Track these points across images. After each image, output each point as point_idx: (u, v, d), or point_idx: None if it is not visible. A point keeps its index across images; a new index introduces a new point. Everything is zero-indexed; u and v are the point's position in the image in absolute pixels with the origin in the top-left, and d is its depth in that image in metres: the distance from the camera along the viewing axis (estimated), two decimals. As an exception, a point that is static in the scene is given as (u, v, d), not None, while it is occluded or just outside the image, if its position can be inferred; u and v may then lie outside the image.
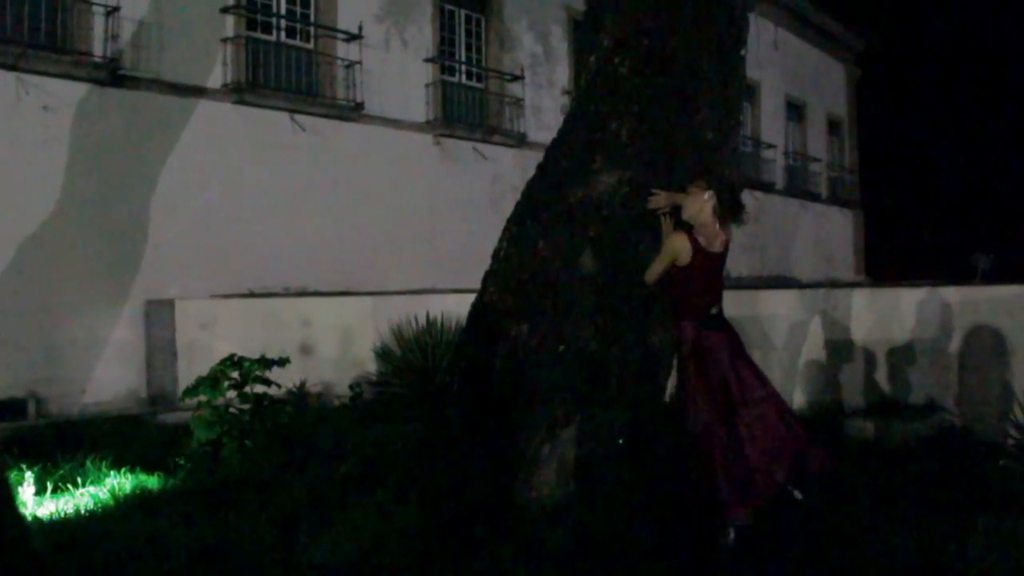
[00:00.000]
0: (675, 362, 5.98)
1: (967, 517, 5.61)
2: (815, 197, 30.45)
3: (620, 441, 6.40)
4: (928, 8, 42.36)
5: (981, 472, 6.86)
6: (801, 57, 30.15)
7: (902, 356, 9.32)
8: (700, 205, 5.73)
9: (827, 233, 31.05)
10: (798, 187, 29.32)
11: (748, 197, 23.72)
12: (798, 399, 9.70)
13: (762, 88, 27.41)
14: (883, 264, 33.14)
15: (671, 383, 6.12)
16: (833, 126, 32.74)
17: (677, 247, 5.68)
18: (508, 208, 6.60)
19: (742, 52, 6.63)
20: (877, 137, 36.83)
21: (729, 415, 5.62)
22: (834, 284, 19.30)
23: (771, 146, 27.62)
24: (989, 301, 8.76)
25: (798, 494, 5.74)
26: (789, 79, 29.15)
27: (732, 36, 6.51)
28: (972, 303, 8.88)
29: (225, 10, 14.14)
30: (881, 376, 9.43)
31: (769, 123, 27.97)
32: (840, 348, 9.64)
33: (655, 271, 5.79)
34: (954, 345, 8.95)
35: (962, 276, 16.73)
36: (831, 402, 9.54)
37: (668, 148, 6.14)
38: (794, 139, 29.94)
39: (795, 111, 30.02)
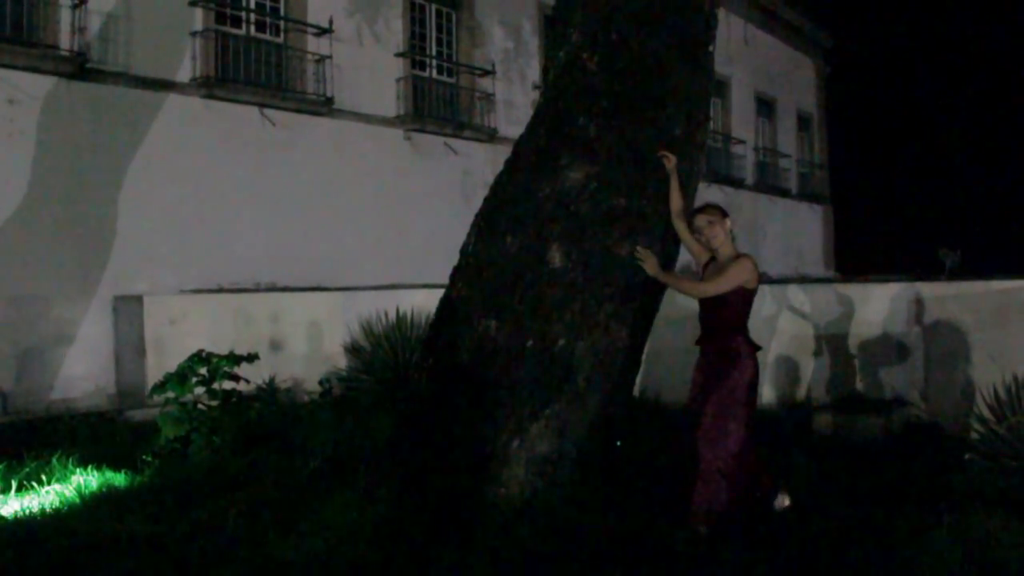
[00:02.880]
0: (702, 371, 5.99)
1: (932, 511, 5.66)
2: (785, 193, 30.61)
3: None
4: (897, 5, 42.63)
5: (946, 466, 6.93)
6: (771, 53, 30.30)
7: (870, 351, 9.39)
8: (726, 232, 5.96)
9: (797, 229, 31.22)
10: (768, 183, 29.47)
11: (718, 193, 23.85)
12: (766, 394, 9.75)
13: (732, 84, 27.53)
14: (852, 259, 33.38)
15: (692, 385, 6.12)
16: (803, 122, 32.93)
17: (753, 272, 5.87)
18: (479, 203, 6.59)
19: (711, 48, 6.64)
20: (847, 133, 37.14)
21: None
22: (803, 279, 19.42)
23: (741, 142, 27.74)
24: (955, 297, 8.83)
25: (781, 502, 5.88)
26: (759, 75, 29.28)
27: (701, 32, 6.52)
28: (939, 299, 8.95)
29: (194, 3, 14.05)
30: (849, 371, 9.49)
31: (739, 119, 28.09)
32: (808, 343, 9.70)
33: (718, 288, 5.81)
34: (921, 340, 9.03)
35: (930, 271, 16.88)
36: (799, 397, 9.60)
37: (636, 144, 6.15)
38: (764, 135, 30.08)
39: (765, 107, 30.16)
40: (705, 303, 5.92)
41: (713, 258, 6.07)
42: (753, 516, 5.76)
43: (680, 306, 9.64)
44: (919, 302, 9.06)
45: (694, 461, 5.73)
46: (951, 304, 8.79)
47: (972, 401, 8.00)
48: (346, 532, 5.36)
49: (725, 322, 5.88)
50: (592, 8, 6.39)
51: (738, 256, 5.92)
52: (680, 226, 6.13)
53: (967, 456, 7.06)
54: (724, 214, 6.06)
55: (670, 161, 6.12)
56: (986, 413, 7.27)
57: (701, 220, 6.04)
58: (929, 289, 9.14)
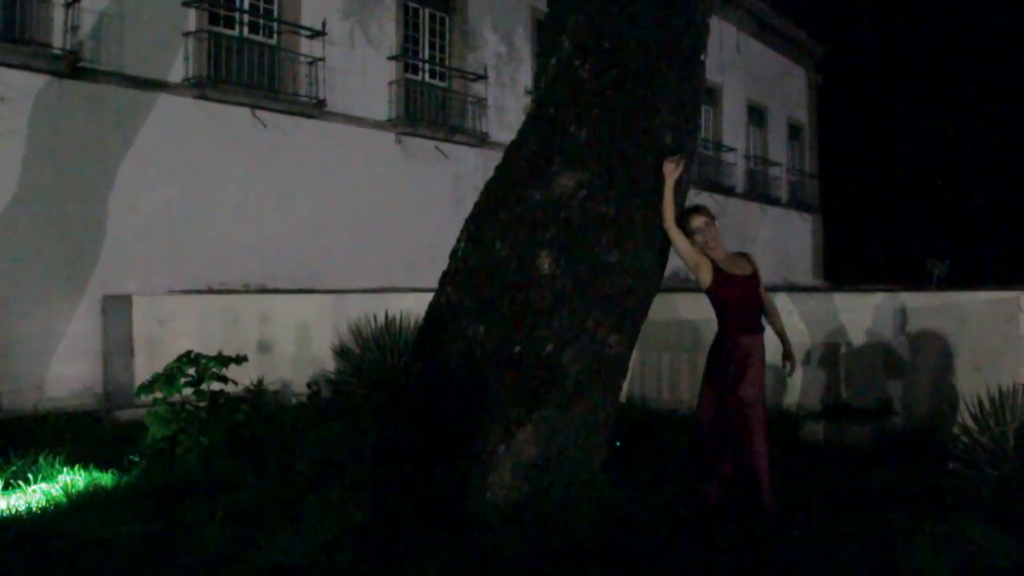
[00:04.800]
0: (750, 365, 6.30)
1: (916, 520, 5.70)
2: (775, 201, 30.70)
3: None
4: (889, 15, 42.79)
5: (930, 475, 6.97)
6: (763, 62, 30.39)
7: (857, 359, 9.43)
8: (718, 231, 6.39)
9: (786, 237, 31.31)
10: (758, 191, 29.56)
11: (708, 200, 23.90)
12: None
13: (724, 92, 27.61)
14: (841, 268, 33.51)
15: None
16: (794, 131, 33.03)
17: None
18: (469, 208, 6.62)
19: (702, 57, 6.68)
20: (837, 142, 37.23)
21: None
22: (792, 287, 19.47)
23: (732, 150, 27.82)
24: (943, 307, 8.88)
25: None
26: (751, 83, 29.38)
27: (692, 41, 6.56)
28: (926, 308, 9.00)
29: (188, 4, 14.06)
30: (836, 379, 9.53)
31: (730, 127, 28.17)
32: (796, 351, 9.72)
33: None
34: (908, 349, 9.07)
35: (919, 281, 16.94)
36: (786, 405, 9.63)
37: (627, 151, 6.17)
38: (755, 143, 30.18)
39: (756, 115, 30.25)
40: (750, 293, 6.33)
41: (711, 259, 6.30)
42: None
43: (670, 312, 9.68)
44: (906, 311, 9.11)
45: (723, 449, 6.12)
46: (936, 314, 8.84)
47: (956, 410, 8.04)
48: (333, 535, 5.37)
49: (760, 311, 6.43)
50: (584, 16, 6.42)
51: (744, 255, 6.51)
52: (675, 233, 6.18)
53: (951, 465, 7.09)
54: (712, 215, 6.42)
55: (675, 168, 6.18)
56: (969, 423, 7.31)
57: (700, 221, 6.31)
58: (913, 299, 9.19)
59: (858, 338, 9.43)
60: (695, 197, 6.75)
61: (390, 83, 17.44)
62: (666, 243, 6.35)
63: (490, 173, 6.65)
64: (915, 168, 40.83)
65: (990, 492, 6.40)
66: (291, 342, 12.09)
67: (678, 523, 5.72)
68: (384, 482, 6.05)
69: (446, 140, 18.35)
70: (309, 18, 15.88)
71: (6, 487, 6.87)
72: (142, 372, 10.28)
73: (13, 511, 6.21)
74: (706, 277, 6.23)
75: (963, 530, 5.47)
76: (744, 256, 6.50)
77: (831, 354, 9.58)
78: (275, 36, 15.74)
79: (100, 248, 12.81)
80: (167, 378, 7.73)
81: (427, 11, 18.60)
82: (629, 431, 7.85)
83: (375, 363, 10.41)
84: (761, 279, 6.45)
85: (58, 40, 12.42)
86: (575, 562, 5.06)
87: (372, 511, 5.73)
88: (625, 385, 7.00)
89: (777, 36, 31.21)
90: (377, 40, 17.29)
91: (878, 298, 9.45)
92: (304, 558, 5.11)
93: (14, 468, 7.24)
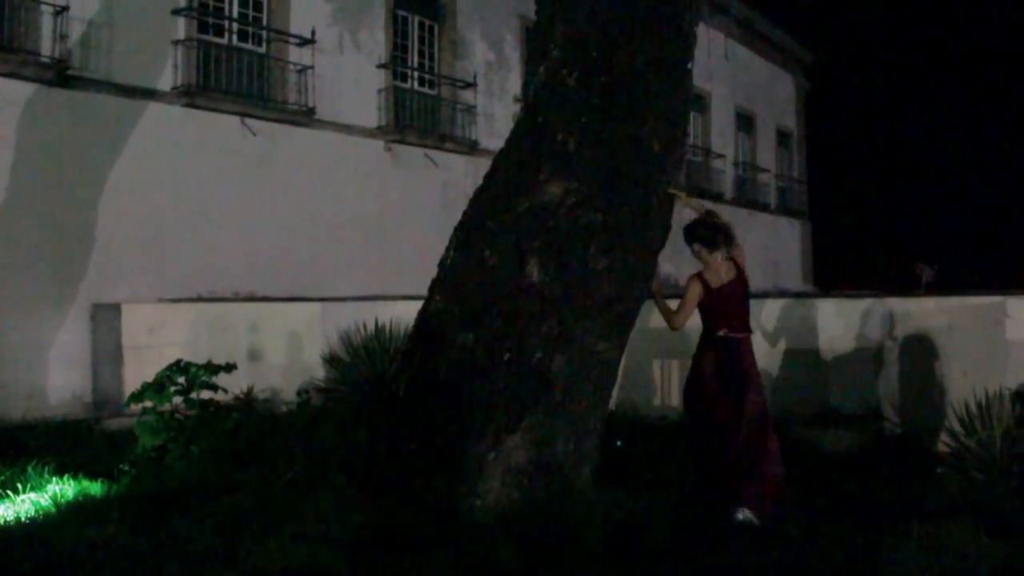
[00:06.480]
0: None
1: (903, 525, 5.73)
2: (764, 207, 30.78)
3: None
4: (876, 22, 42.98)
5: (918, 479, 7.00)
6: (751, 69, 30.50)
7: (845, 365, 9.46)
8: None
9: (775, 243, 31.37)
10: (747, 197, 29.64)
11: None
12: (743, 407, 9.78)
13: (712, 99, 27.69)
14: (830, 274, 33.59)
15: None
16: (782, 137, 33.14)
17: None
18: (458, 215, 6.63)
19: (689, 65, 6.71)
20: (825, 149, 37.34)
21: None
22: (781, 294, 19.52)
23: (721, 156, 27.89)
24: (930, 312, 8.92)
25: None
26: (739, 90, 29.47)
27: (680, 49, 6.59)
28: (914, 313, 9.04)
29: (176, 12, 14.06)
30: (824, 384, 9.55)
31: (719, 134, 28.25)
32: (785, 357, 9.76)
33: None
34: (896, 354, 9.10)
35: (906, 286, 17.02)
36: (776, 411, 9.65)
37: (615, 159, 6.20)
38: (744, 150, 30.27)
39: (745, 122, 30.34)
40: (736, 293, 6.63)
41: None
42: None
43: (660, 319, 9.69)
44: (894, 316, 9.14)
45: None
46: (924, 319, 8.87)
47: (944, 415, 8.08)
48: (323, 542, 5.37)
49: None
50: (572, 24, 6.45)
51: (731, 258, 6.86)
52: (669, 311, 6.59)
53: (938, 470, 7.13)
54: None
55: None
56: (957, 427, 7.35)
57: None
58: (901, 304, 9.23)
59: (846, 344, 9.46)
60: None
61: (379, 91, 17.45)
62: (655, 250, 6.41)
63: (479, 181, 6.66)
64: (903, 173, 40.98)
65: (977, 496, 6.44)
66: (281, 350, 12.07)
67: (670, 528, 5.73)
68: (374, 489, 6.06)
69: (435, 148, 18.37)
70: (298, 26, 15.89)
71: (-6, 497, 6.85)
72: (131, 381, 10.27)
73: (2, 521, 6.19)
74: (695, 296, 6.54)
75: (950, 534, 5.50)
76: (730, 259, 6.77)
77: (820, 359, 9.60)
78: (264, 44, 15.75)
79: (89, 256, 12.79)
80: (157, 387, 7.72)
81: (416, 19, 18.63)
82: (619, 437, 7.87)
83: (365, 371, 10.41)
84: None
85: (47, 48, 12.41)
86: (567, 568, 5.07)
87: (362, 518, 5.74)
88: (615, 392, 7.02)
89: (765, 43, 31.32)
90: (366, 48, 17.31)
91: (866, 303, 9.49)
92: (294, 565, 5.11)
93: (2, 478, 7.20)
